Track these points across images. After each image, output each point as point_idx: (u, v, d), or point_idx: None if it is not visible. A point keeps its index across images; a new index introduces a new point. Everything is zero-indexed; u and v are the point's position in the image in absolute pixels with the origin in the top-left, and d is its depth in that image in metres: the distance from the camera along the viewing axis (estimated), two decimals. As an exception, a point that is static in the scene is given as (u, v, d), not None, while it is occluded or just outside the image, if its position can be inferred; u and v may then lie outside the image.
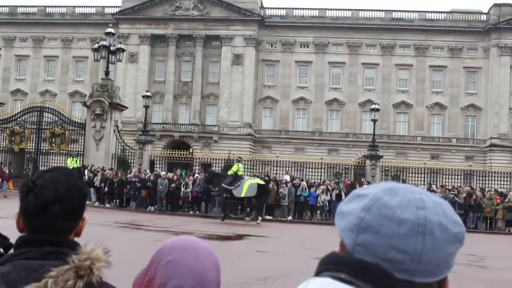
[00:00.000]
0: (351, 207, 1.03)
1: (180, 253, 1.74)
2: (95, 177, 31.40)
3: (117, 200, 31.09)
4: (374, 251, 0.98)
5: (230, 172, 25.92)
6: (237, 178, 25.39)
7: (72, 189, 1.87)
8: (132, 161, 36.88)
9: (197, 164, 45.16)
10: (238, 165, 26.05)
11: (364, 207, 1.01)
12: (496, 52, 63.19)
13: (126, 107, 40.47)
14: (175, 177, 30.67)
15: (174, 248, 1.78)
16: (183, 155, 41.21)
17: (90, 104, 35.22)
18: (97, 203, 30.84)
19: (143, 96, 39.59)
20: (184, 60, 67.28)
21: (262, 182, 26.02)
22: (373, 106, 38.25)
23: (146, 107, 39.00)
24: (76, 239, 1.93)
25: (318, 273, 1.04)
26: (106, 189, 30.78)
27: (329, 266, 1.02)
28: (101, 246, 1.71)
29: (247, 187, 24.76)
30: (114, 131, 35.79)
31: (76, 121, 39.71)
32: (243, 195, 25.00)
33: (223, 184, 25.39)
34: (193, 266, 1.72)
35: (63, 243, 1.84)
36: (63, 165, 31.32)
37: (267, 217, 28.41)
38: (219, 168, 39.86)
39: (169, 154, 42.37)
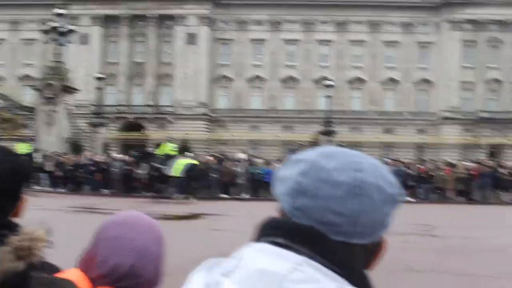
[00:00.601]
0: (288, 172, 1.02)
1: (121, 229, 1.72)
2: (47, 162, 30.76)
3: (71, 184, 30.55)
4: (311, 215, 0.97)
5: (161, 152, 26.02)
6: (169, 158, 25.50)
7: (10, 168, 1.76)
8: (85, 144, 36.26)
9: (152, 145, 44.78)
10: (168, 144, 26.14)
11: (301, 171, 1.00)
12: (447, 27, 64.27)
13: (78, 90, 39.62)
14: (129, 159, 30.29)
15: (115, 224, 1.75)
16: (138, 137, 40.78)
17: (41, 87, 34.36)
18: (50, 188, 30.25)
19: (95, 78, 38.83)
20: (137, 40, 66.24)
21: (196, 162, 26.11)
22: (327, 83, 38.46)
23: (99, 89, 38.29)
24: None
25: (256, 239, 1.02)
26: (59, 173, 30.19)
27: (266, 231, 1.01)
28: (42, 226, 1.63)
29: (179, 166, 24.83)
30: (66, 114, 35.06)
31: (27, 105, 38.77)
32: (175, 174, 25.02)
33: (154, 164, 25.51)
34: (134, 242, 1.70)
35: (0, 224, 1.74)
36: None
37: (223, 195, 28.40)
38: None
39: (124, 136, 41.88)
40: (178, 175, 25.18)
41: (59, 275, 1.70)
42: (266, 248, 0.96)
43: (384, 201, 0.98)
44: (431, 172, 29.76)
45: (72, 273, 1.70)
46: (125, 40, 65.30)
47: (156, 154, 26.80)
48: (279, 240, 0.96)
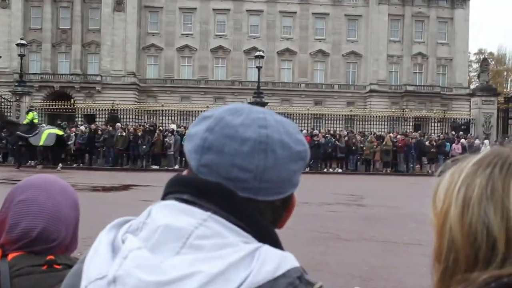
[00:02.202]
0: (196, 129, 1.01)
1: (33, 192, 1.68)
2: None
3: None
4: (218, 171, 0.96)
5: (25, 121, 25.96)
6: (33, 126, 25.39)
7: None
8: (9, 114, 34.94)
9: (80, 115, 43.72)
10: (32, 113, 26.10)
11: (207, 127, 0.98)
12: (375, 0, 65.27)
13: (-1, 56, 38.06)
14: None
15: (26, 187, 1.70)
16: (65, 106, 39.64)
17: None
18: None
19: (17, 45, 37.13)
20: (62, 6, 63.71)
21: (60, 132, 26.20)
22: (257, 53, 38.40)
23: (22, 56, 36.68)
24: None
25: (163, 196, 1.01)
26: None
27: (173, 188, 1.00)
28: None
29: (45, 136, 24.85)
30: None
31: None
32: (41, 143, 25.13)
33: (18, 132, 25.35)
34: (46, 205, 1.67)
35: None
36: None
37: (154, 166, 28.19)
38: (103, 119, 38.83)
39: (50, 105, 40.55)
40: (42, 144, 25.16)
41: None
42: (172, 205, 0.96)
43: (289, 158, 0.98)
44: (359, 144, 30.45)
45: None
46: (48, 5, 62.65)
47: (21, 123, 26.84)
48: (186, 196, 0.96)
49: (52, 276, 1.57)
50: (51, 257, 1.64)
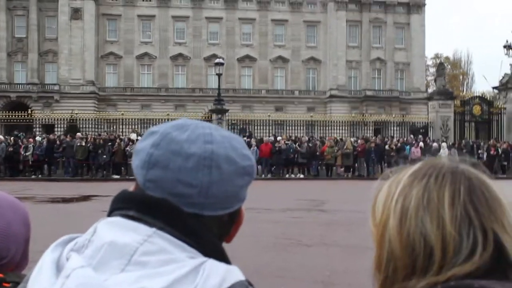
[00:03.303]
0: (143, 144, 1.01)
1: None
2: None
3: None
4: (163, 186, 0.96)
5: None
6: None
7: None
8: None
9: (38, 125, 43.00)
10: None
11: (153, 143, 0.98)
12: (333, 6, 66.00)
13: (-47, 67, 37.19)
14: (12, 140, 28.93)
15: None
16: (22, 116, 38.92)
17: None
18: None
19: (-29, 54, 36.44)
20: (17, 14, 62.57)
21: None
22: (217, 61, 38.30)
23: (-24, 66, 36.03)
24: None
25: (109, 213, 1.00)
26: None
27: (119, 204, 0.99)
28: None
29: None
30: None
31: None
32: None
33: None
34: None
35: None
36: None
37: (115, 176, 27.86)
38: (62, 129, 38.24)
39: (6, 116, 39.75)
40: None
41: None
42: (117, 221, 0.95)
43: (235, 173, 0.99)
44: (318, 150, 30.61)
45: None
46: (3, 13, 61.39)
47: None
48: (131, 213, 0.96)
49: None
50: (1, 275, 1.60)
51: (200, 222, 0.97)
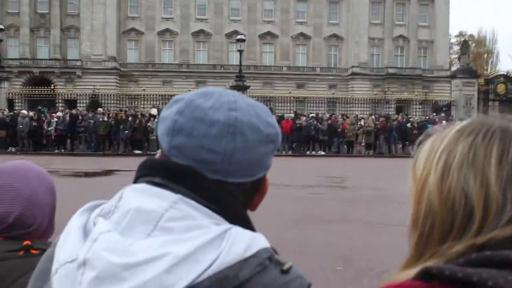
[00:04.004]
0: (167, 112, 1.02)
1: (8, 178, 1.68)
2: None
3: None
4: (187, 153, 0.97)
5: None
6: None
7: None
8: (-13, 99, 34.54)
9: (61, 101, 43.37)
10: None
11: (178, 110, 0.99)
12: (356, -17, 65.14)
13: (-23, 42, 37.45)
14: (36, 115, 29.24)
15: (1, 173, 1.70)
16: (45, 91, 39.26)
17: None
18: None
19: (-5, 30, 36.62)
20: (40, -10, 62.81)
21: None
22: (239, 37, 38.23)
23: None
24: None
25: (135, 180, 1.01)
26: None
27: (144, 171, 1.00)
28: None
29: None
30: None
31: None
32: None
33: None
34: (22, 191, 1.67)
35: None
36: None
37: (136, 151, 28.08)
38: (84, 105, 38.54)
39: (29, 91, 40.13)
40: None
41: None
42: (143, 188, 0.96)
43: (259, 141, 0.99)
44: (340, 127, 30.53)
45: None
46: (26, -11, 61.76)
47: None
48: (157, 179, 0.97)
49: (29, 262, 1.56)
50: (28, 242, 1.63)
51: (225, 189, 0.98)
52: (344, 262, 7.37)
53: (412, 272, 0.87)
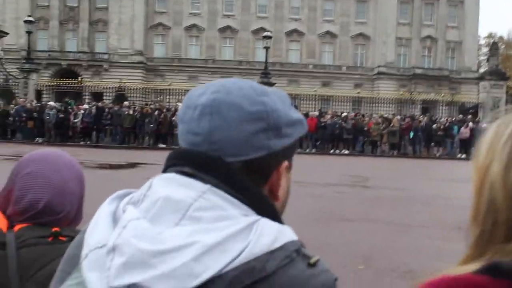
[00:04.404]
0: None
1: (39, 165, 1.71)
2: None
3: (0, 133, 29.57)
4: (182, 138, 1.01)
5: None
6: None
7: None
8: (16, 91, 35.04)
9: (87, 93, 43.79)
10: None
11: (183, 103, 1.04)
12: (384, -18, 64.65)
13: (7, 33, 38.05)
14: (63, 107, 29.60)
15: (32, 161, 1.74)
16: (72, 84, 39.67)
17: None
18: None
19: (25, 22, 37.10)
20: (70, -17, 63.46)
21: None
22: (265, 34, 38.24)
23: (29, 33, 36.68)
24: None
25: (164, 169, 1.02)
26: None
27: (173, 161, 1.01)
28: None
29: None
30: (-5, 59, 33.67)
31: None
32: None
33: None
34: (52, 178, 1.70)
35: None
36: None
37: (161, 145, 28.25)
38: (110, 97, 38.87)
39: (57, 83, 40.59)
40: None
41: None
42: (172, 177, 0.97)
43: (240, 119, 0.97)
44: (365, 126, 30.37)
45: None
46: (56, -18, 62.45)
47: None
48: (186, 169, 0.97)
49: (57, 248, 1.59)
50: (57, 229, 1.67)
51: (255, 181, 0.98)
52: (365, 261, 7.34)
53: (470, 268, 0.80)
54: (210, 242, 0.85)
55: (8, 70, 35.77)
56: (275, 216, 0.97)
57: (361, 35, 66.34)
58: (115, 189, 1.06)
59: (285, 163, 1.04)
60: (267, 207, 0.98)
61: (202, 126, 0.97)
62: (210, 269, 0.84)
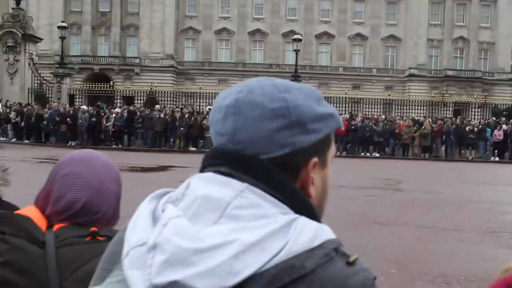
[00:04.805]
0: None
1: (77, 166, 1.74)
2: (11, 113, 30.19)
3: (34, 136, 30.08)
4: (213, 140, 1.02)
5: None
6: None
7: None
8: (50, 95, 35.62)
9: (119, 97, 44.28)
10: None
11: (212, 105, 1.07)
12: (415, -17, 64.03)
13: (41, 39, 38.71)
14: (95, 111, 30.00)
15: (70, 161, 1.77)
16: (104, 88, 40.17)
17: (1, 35, 33.29)
18: (14, 139, 29.83)
19: (58, 27, 37.72)
20: (102, -11, 64.34)
21: None
22: (295, 37, 38.23)
23: (62, 38, 37.28)
24: None
25: (201, 169, 1.03)
26: (23, 124, 29.67)
27: (210, 161, 1.02)
28: None
29: None
30: (29, 64, 34.27)
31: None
32: None
33: None
34: (90, 179, 1.73)
35: None
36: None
37: (192, 148, 28.43)
38: (142, 101, 39.25)
39: (89, 87, 41.16)
40: None
41: (16, 212, 1.74)
42: (210, 176, 0.98)
43: (261, 117, 0.97)
44: (396, 128, 30.09)
45: (28, 210, 1.74)
46: (89, -12, 63.42)
47: None
48: (223, 169, 0.98)
49: (95, 247, 1.62)
50: (94, 228, 1.70)
51: (288, 178, 0.98)
52: (397, 265, 7.29)
53: None
54: (249, 240, 0.86)
55: (42, 75, 36.38)
56: (312, 214, 0.98)
57: (391, 36, 65.82)
58: (148, 192, 1.08)
59: (314, 159, 1.02)
60: (305, 204, 0.98)
61: (226, 127, 0.98)
62: (249, 267, 0.84)
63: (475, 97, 44.90)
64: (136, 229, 0.95)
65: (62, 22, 39.06)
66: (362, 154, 29.78)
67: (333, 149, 1.10)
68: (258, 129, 0.97)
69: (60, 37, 37.27)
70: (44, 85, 36.43)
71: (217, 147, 1.02)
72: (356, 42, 66.34)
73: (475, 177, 19.79)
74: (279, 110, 0.97)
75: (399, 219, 10.86)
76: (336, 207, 11.13)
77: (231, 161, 0.98)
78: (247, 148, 0.97)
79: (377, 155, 29.74)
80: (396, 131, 29.84)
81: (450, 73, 63.06)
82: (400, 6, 65.60)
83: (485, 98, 44.24)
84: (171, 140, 29.90)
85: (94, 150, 1.91)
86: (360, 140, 29.73)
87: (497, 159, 28.69)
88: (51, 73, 36.98)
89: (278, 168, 0.98)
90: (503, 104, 39.51)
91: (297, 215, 0.93)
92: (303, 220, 0.91)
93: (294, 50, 38.04)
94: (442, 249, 8.28)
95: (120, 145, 29.50)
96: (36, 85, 35.80)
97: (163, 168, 19.39)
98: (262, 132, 0.97)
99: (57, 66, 37.21)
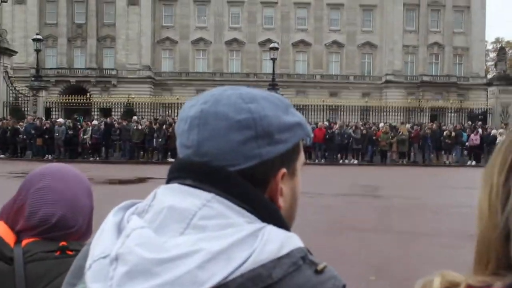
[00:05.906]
0: None
1: (50, 180, 1.73)
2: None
3: (10, 150, 29.72)
4: (178, 151, 1.01)
5: None
6: None
7: None
8: (26, 108, 35.26)
9: (96, 109, 43.94)
10: None
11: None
12: (390, -10, 64.72)
13: (16, 52, 38.41)
14: (72, 124, 29.75)
15: (43, 175, 1.75)
16: (81, 100, 39.86)
17: (-25, 49, 32.96)
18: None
19: (33, 40, 37.38)
20: (77, 1, 63.77)
21: None
22: (272, 45, 38.35)
23: (38, 51, 36.92)
24: None
25: (167, 182, 1.01)
26: (-2, 138, 29.32)
27: (175, 174, 1.00)
28: None
29: None
30: (4, 77, 33.92)
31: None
32: None
33: None
34: (64, 193, 1.71)
35: None
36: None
37: (170, 159, 28.29)
38: (119, 113, 39.03)
39: (66, 100, 40.79)
40: None
41: None
42: (177, 187, 0.96)
43: (227, 128, 0.95)
44: (373, 134, 30.24)
45: None
46: (64, 0, 62.97)
47: None
48: (188, 181, 0.96)
49: (65, 262, 1.59)
50: (64, 243, 1.67)
51: (255, 188, 0.96)
52: (377, 271, 7.30)
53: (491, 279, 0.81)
54: (215, 249, 0.84)
55: (17, 88, 36.02)
56: (281, 223, 0.96)
57: (367, 43, 66.33)
58: (119, 203, 1.05)
59: (283, 170, 1.00)
60: (273, 214, 0.97)
61: (191, 139, 0.96)
62: (215, 276, 0.83)
63: (451, 102, 45.38)
64: (100, 242, 0.93)
65: (37, 34, 38.71)
66: (341, 161, 29.89)
67: (302, 157, 1.06)
68: (224, 141, 0.95)
69: (36, 50, 36.89)
70: (20, 99, 36.07)
71: (182, 160, 1.00)
72: (333, 50, 66.72)
73: (453, 181, 19.96)
74: (245, 122, 0.96)
75: (378, 225, 10.90)
76: (316, 214, 11.14)
77: (196, 174, 0.96)
78: (213, 160, 0.96)
79: (356, 162, 29.87)
80: (374, 137, 29.99)
81: (426, 78, 63.69)
82: (375, 13, 66.18)
83: (461, 102, 44.73)
84: (149, 151, 29.74)
85: (63, 163, 1.88)
86: (338, 147, 29.84)
87: (473, 163, 28.98)
88: (26, 86, 36.62)
89: (245, 180, 0.96)
90: (479, 109, 39.97)
91: (264, 224, 0.91)
92: (271, 229, 0.90)
93: (271, 58, 38.14)
94: (421, 254, 8.31)
95: (97, 158, 29.28)
96: (11, 98, 35.42)
97: (142, 180, 19.28)
98: (228, 144, 0.95)
99: (33, 79, 36.82)
